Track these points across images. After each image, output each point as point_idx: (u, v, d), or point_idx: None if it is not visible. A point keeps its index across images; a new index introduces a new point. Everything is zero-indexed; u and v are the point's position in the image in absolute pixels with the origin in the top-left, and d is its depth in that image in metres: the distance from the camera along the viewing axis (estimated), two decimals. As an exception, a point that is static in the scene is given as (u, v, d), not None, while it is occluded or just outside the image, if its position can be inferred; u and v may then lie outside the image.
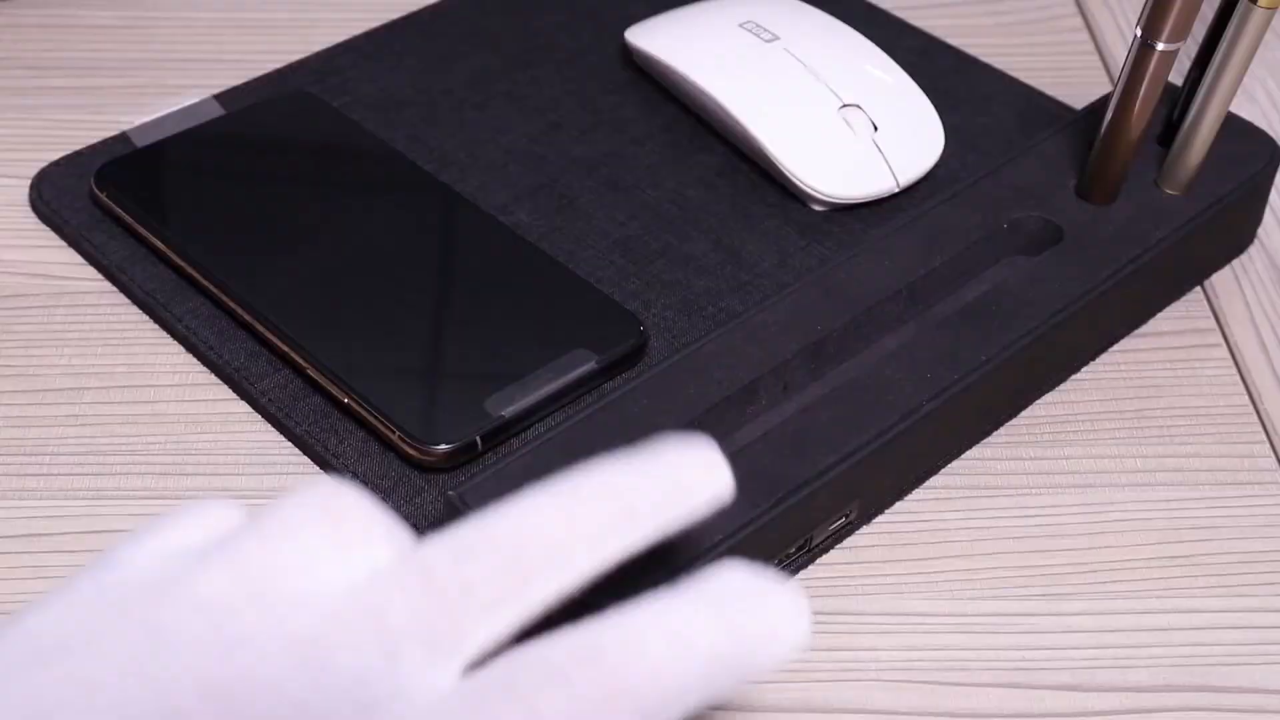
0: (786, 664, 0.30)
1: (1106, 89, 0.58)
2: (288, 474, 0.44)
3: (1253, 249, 0.53)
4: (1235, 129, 0.51)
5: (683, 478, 0.30)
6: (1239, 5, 0.46)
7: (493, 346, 0.46)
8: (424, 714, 0.26)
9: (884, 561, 0.43)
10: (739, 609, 0.28)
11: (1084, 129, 0.51)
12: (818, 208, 0.52)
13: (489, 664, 0.27)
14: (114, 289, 0.49)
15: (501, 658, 0.27)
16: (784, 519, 0.40)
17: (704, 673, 0.28)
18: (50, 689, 0.27)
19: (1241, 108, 0.57)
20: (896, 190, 0.52)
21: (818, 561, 0.42)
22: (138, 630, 0.27)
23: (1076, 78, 0.60)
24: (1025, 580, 0.42)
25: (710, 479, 0.31)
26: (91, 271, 0.50)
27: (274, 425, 0.45)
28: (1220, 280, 0.52)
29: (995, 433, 0.46)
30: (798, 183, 0.51)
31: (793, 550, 0.41)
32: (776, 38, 0.54)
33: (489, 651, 0.28)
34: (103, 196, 0.50)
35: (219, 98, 0.55)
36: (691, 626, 0.28)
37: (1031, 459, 0.46)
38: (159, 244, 0.49)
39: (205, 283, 0.47)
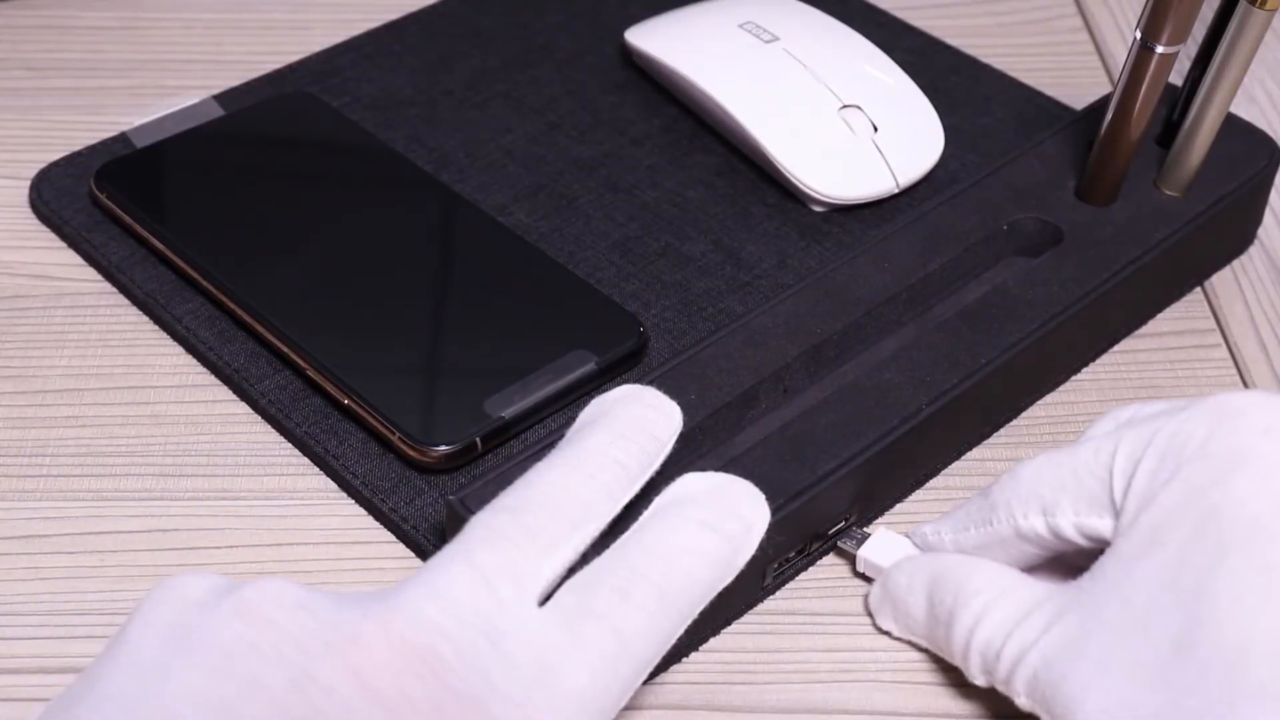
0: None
1: (1106, 89, 0.58)
2: (287, 475, 0.44)
3: (1252, 249, 0.53)
4: (1235, 129, 0.51)
5: (653, 430, 0.37)
6: (1239, 7, 0.46)
7: (492, 347, 0.46)
8: (531, 640, 0.32)
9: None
10: (719, 516, 0.35)
11: (1084, 130, 0.51)
12: (817, 208, 0.52)
13: (560, 593, 0.33)
14: (114, 290, 0.49)
15: (570, 586, 0.33)
16: (785, 524, 0.40)
17: (713, 574, 0.35)
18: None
19: (1241, 108, 0.57)
20: (896, 191, 0.52)
21: (818, 563, 0.43)
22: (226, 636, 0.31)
23: (1076, 78, 0.60)
24: (1025, 581, 0.42)
25: (669, 423, 0.38)
26: (91, 272, 0.50)
27: (274, 426, 0.45)
28: (1220, 281, 0.52)
29: (995, 434, 0.46)
30: (797, 183, 0.51)
31: (792, 554, 0.41)
32: (776, 38, 0.54)
33: (552, 585, 0.33)
34: (102, 197, 0.50)
35: (218, 98, 0.55)
36: (697, 540, 0.35)
37: (1031, 460, 0.46)
38: (158, 245, 0.49)
39: (205, 283, 0.47)
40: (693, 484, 0.37)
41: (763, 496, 0.37)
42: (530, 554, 0.33)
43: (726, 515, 0.36)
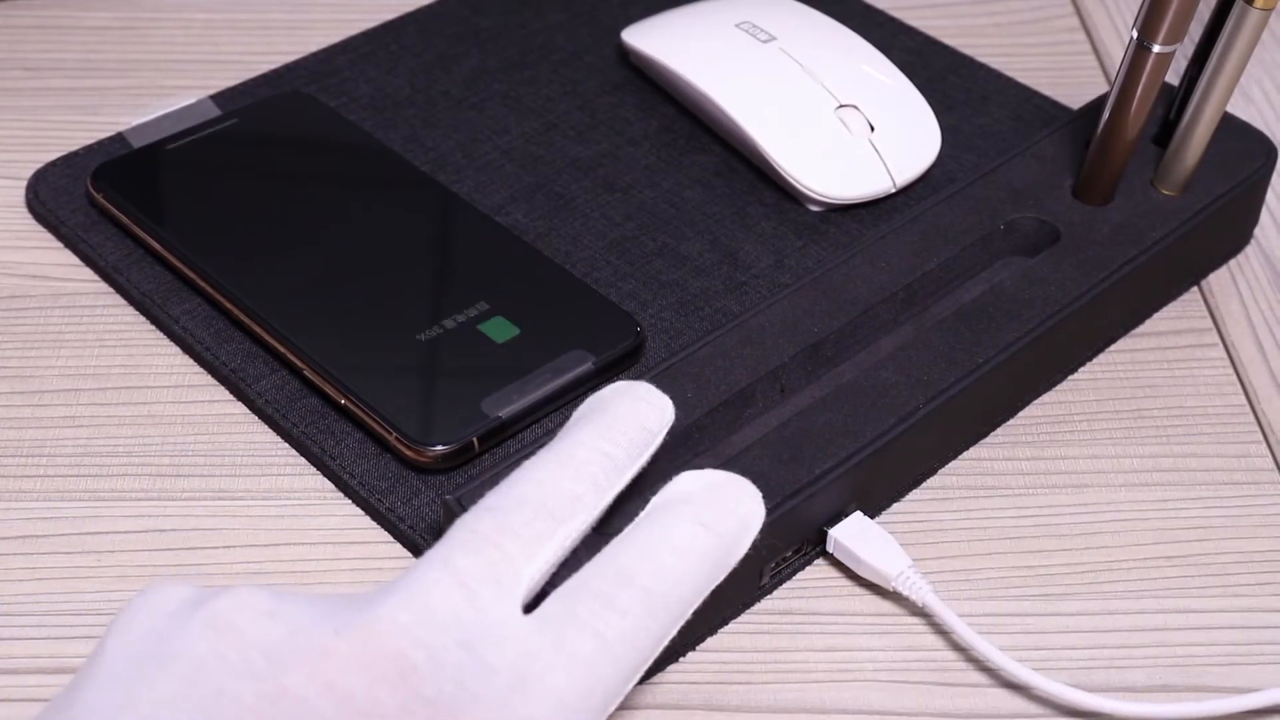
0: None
1: (1103, 89, 0.58)
2: (284, 475, 0.44)
3: (1249, 249, 0.53)
4: (1232, 129, 0.51)
5: (643, 422, 0.37)
6: (1235, 6, 0.46)
7: (490, 347, 0.46)
8: (512, 647, 0.32)
9: (881, 562, 0.43)
10: (714, 513, 0.35)
11: (1080, 129, 0.51)
12: (814, 208, 0.52)
13: (548, 600, 0.33)
14: (110, 290, 0.49)
15: (558, 593, 0.33)
16: (782, 523, 0.40)
17: (706, 572, 0.35)
18: None
19: (1238, 108, 0.58)
20: (893, 191, 0.52)
21: (814, 562, 0.43)
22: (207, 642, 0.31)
23: (1073, 78, 0.60)
24: (1022, 580, 0.42)
25: (661, 415, 0.38)
26: (88, 272, 0.50)
27: (271, 426, 0.45)
28: (1217, 280, 0.52)
29: (992, 434, 0.46)
30: (794, 183, 0.51)
31: (789, 554, 0.41)
32: (773, 38, 0.54)
33: (537, 585, 0.34)
34: (99, 197, 0.50)
35: (215, 98, 0.55)
36: (688, 538, 0.35)
37: (1028, 459, 0.46)
38: (155, 245, 0.49)
39: (202, 283, 0.47)
40: (689, 481, 0.37)
41: (759, 493, 0.37)
42: (512, 555, 0.33)
43: (721, 513, 0.36)
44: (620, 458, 0.36)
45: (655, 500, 0.36)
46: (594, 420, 0.37)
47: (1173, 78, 0.51)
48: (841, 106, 0.52)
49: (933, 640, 0.41)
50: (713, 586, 0.35)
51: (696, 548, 0.35)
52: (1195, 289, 0.52)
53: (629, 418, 0.37)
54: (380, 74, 0.57)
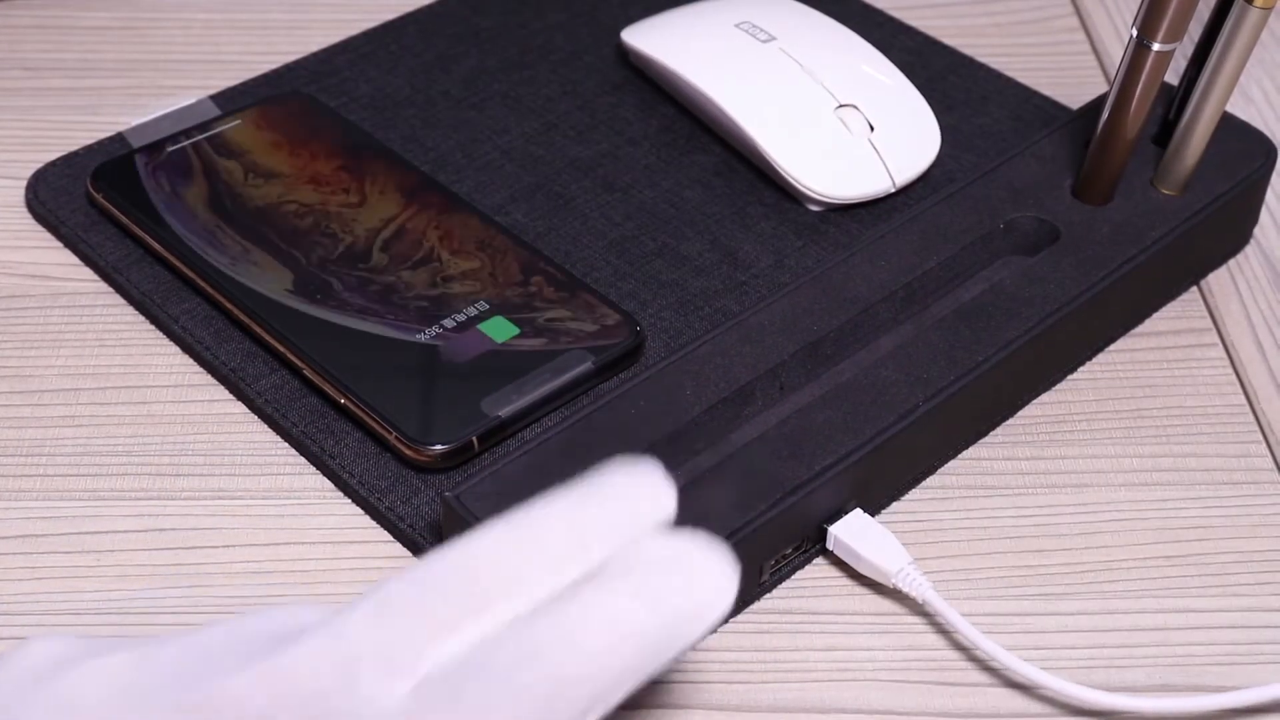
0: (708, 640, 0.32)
1: (1103, 89, 0.58)
2: (284, 475, 0.44)
3: (1248, 249, 0.53)
4: (1231, 129, 0.51)
5: (634, 506, 0.32)
6: (1235, 5, 0.46)
7: (489, 347, 0.46)
8: None
9: (880, 561, 0.43)
10: (666, 587, 0.30)
11: (1080, 129, 0.51)
12: (814, 208, 0.52)
13: (439, 674, 0.29)
14: (110, 290, 0.49)
15: (454, 668, 0.29)
16: (781, 520, 0.40)
17: (638, 657, 0.30)
18: None
19: (1237, 107, 0.58)
20: (893, 190, 0.52)
21: (814, 561, 0.43)
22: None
23: (1072, 78, 0.60)
24: (1021, 580, 0.42)
25: (657, 504, 0.32)
26: (88, 272, 0.50)
27: (270, 426, 0.45)
28: (1216, 280, 0.52)
29: (992, 433, 0.46)
30: (794, 183, 0.51)
31: (789, 551, 0.41)
32: (773, 38, 0.54)
33: (451, 663, 0.29)
34: (99, 197, 0.50)
35: (215, 98, 0.55)
36: (624, 614, 0.30)
37: (1028, 459, 0.46)
38: (155, 245, 0.49)
39: (201, 283, 0.47)
40: (653, 546, 0.31)
41: (732, 571, 0.31)
42: (414, 634, 0.29)
43: (670, 591, 0.30)
44: (592, 539, 0.31)
45: (612, 559, 0.31)
46: (578, 494, 0.32)
47: (1172, 77, 0.51)
48: (841, 106, 0.52)
49: (933, 639, 0.41)
50: (645, 676, 0.30)
51: (630, 629, 0.30)
52: (1195, 289, 0.52)
53: (620, 495, 0.32)
54: (380, 74, 0.57)
